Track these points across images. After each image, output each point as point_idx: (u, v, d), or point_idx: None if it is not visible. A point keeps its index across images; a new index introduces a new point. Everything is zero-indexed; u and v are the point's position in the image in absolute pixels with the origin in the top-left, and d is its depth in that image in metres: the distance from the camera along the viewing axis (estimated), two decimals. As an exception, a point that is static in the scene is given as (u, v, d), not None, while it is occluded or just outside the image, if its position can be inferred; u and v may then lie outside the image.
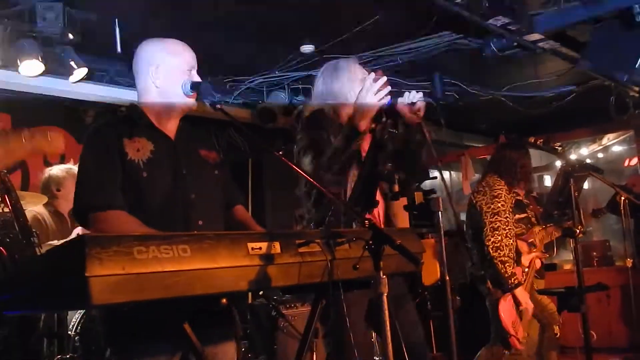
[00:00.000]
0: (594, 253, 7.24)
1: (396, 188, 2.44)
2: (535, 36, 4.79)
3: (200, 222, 2.29)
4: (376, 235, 1.82)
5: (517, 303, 3.88)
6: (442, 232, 2.26)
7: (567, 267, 7.19)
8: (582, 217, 3.26)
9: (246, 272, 1.82)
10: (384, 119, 2.53)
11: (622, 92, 6.31)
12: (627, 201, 4.27)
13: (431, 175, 7.34)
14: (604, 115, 6.51)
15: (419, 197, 6.50)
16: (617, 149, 8.73)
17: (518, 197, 4.16)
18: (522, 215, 4.13)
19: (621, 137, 8.46)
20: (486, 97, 6.55)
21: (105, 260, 1.57)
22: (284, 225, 5.87)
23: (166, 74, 2.34)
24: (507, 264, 3.87)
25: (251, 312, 4.56)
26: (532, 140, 3.80)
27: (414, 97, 2.54)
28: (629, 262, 4.16)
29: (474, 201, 4.11)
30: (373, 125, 2.45)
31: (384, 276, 1.84)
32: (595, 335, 5.81)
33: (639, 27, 4.47)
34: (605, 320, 6.14)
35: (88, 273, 1.53)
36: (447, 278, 2.23)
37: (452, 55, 5.53)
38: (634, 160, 7.91)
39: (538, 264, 4.09)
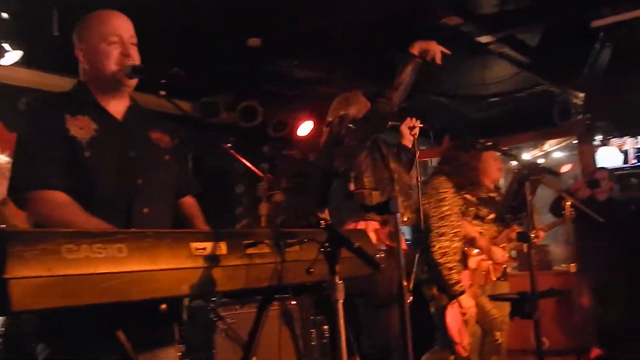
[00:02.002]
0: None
1: (351, 187, 2.33)
2: (486, 38, 4.78)
3: (145, 210, 2.09)
4: (332, 237, 1.68)
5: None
6: (400, 235, 2.14)
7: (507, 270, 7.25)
8: (534, 221, 3.23)
9: (189, 275, 1.65)
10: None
11: (566, 98, 6.44)
12: (571, 206, 4.29)
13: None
14: (548, 120, 6.63)
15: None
16: (557, 155, 8.91)
17: (469, 199, 4.10)
18: (495, 216, 4.06)
19: (562, 144, 8.63)
20: (433, 100, 6.58)
21: (29, 260, 1.38)
22: (224, 226, 5.68)
23: (92, 47, 2.14)
24: (454, 270, 3.80)
25: (188, 314, 4.35)
26: (483, 142, 3.74)
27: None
28: (573, 267, 4.17)
29: (420, 204, 4.03)
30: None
31: (340, 281, 1.70)
32: (547, 342, 5.90)
33: (589, 33, 4.54)
34: (545, 324, 6.20)
35: (8, 275, 1.35)
36: (405, 283, 2.12)
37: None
38: (568, 167, 8.07)
39: (485, 266, 4.05)
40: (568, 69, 4.83)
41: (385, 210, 2.11)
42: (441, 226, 3.84)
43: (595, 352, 5.45)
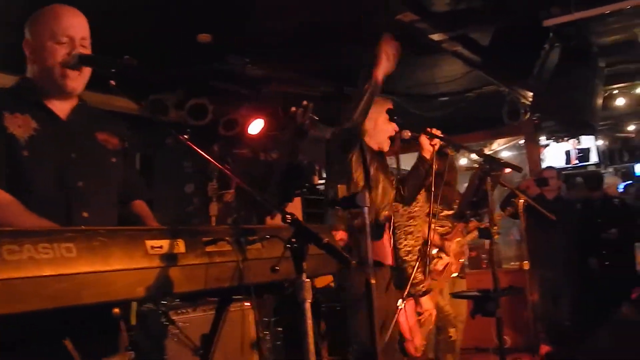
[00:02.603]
0: (483, 255, 7.42)
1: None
2: (439, 36, 4.77)
3: (85, 215, 1.99)
4: (300, 233, 1.59)
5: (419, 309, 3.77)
6: (368, 229, 2.06)
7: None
8: (494, 217, 3.22)
9: (144, 276, 1.53)
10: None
11: (515, 98, 6.52)
12: (524, 203, 4.32)
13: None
14: (497, 120, 6.71)
15: (342, 191, 6.27)
16: (505, 154, 9.07)
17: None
18: (449, 212, 4.05)
19: (510, 143, 8.79)
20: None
21: (-36, 262, 1.24)
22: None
23: (40, 45, 2.04)
24: (419, 269, 3.77)
25: (138, 318, 4.16)
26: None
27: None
28: (526, 265, 4.20)
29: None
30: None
31: (307, 280, 1.61)
32: (509, 340, 5.95)
33: (540, 33, 4.58)
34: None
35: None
36: (373, 281, 2.04)
37: (355, 54, 5.42)
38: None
39: (455, 267, 4.03)
40: (518, 69, 4.85)
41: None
42: (409, 225, 3.80)
43: (545, 348, 5.53)
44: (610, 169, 9.61)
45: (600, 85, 5.76)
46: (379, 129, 3.36)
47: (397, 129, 3.40)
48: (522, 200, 4.23)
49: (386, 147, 3.43)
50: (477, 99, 6.62)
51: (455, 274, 4.41)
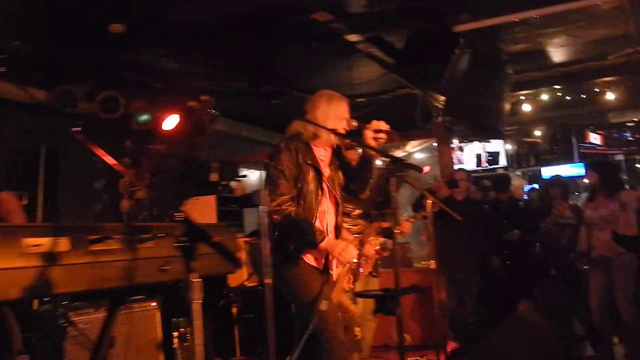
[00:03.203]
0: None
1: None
2: (354, 37, 4.81)
3: None
4: (189, 231, 1.54)
5: None
6: (267, 229, 2.02)
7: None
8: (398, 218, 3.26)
9: (19, 276, 1.44)
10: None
11: (427, 101, 6.67)
12: (433, 204, 4.42)
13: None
14: (411, 122, 6.84)
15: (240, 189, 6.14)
16: (418, 156, 9.28)
17: None
18: (361, 211, 4.04)
19: (423, 145, 8.99)
20: (301, 97, 6.53)
21: None
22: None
23: None
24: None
25: (35, 320, 3.95)
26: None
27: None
28: (433, 264, 4.30)
29: None
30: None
31: (197, 279, 1.56)
32: (409, 338, 6.05)
33: (451, 39, 4.70)
34: (407, 320, 6.39)
35: None
36: (268, 281, 2.01)
37: (271, 52, 5.40)
38: (427, 168, 8.40)
39: (367, 266, 4.05)
40: (429, 72, 4.97)
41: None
42: None
43: (451, 345, 5.68)
44: (518, 172, 10.05)
45: (507, 91, 5.99)
46: (330, 125, 3.19)
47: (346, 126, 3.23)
48: (430, 202, 4.31)
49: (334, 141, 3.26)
50: (392, 101, 6.73)
51: (366, 273, 4.44)
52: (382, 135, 3.15)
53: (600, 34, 5.64)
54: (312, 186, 3.01)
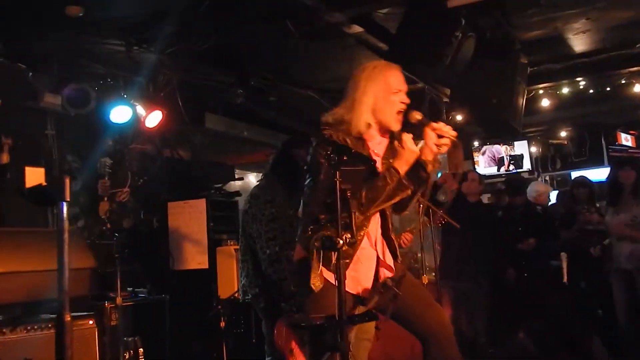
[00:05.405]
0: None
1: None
2: (339, 17, 4.30)
3: None
4: None
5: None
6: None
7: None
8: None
9: None
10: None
11: (435, 97, 6.16)
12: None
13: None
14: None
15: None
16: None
17: None
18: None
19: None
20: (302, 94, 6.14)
21: None
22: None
23: None
24: (286, 281, 3.27)
25: None
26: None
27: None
28: (425, 279, 3.81)
29: (247, 207, 3.47)
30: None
31: None
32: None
33: (451, 20, 4.16)
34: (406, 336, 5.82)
35: None
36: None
37: (265, 46, 4.93)
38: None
39: None
40: (427, 57, 4.41)
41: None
42: (270, 230, 3.32)
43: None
44: (547, 177, 9.32)
45: (522, 84, 5.39)
46: (380, 106, 2.61)
47: (406, 100, 2.64)
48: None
49: (395, 126, 2.62)
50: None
51: None
52: (446, 142, 2.50)
53: (625, 17, 5.02)
54: None
